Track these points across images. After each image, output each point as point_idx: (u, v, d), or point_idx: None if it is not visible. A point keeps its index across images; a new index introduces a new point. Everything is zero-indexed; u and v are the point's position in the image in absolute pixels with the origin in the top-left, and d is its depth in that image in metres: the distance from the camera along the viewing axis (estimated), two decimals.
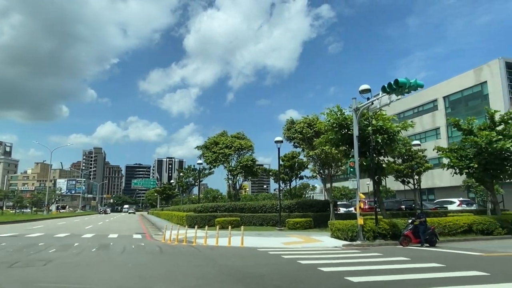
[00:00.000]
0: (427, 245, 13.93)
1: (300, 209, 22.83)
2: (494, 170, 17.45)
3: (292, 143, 22.55)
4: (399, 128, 16.04)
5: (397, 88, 12.94)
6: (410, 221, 14.38)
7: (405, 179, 22.82)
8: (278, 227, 21.25)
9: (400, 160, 23.16)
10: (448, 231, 16.51)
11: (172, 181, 73.93)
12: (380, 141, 15.96)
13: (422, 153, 23.47)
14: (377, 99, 14.74)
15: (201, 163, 30.35)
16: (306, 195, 63.11)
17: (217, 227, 16.69)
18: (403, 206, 25.16)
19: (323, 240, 16.00)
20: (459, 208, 26.79)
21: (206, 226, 16.78)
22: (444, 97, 50.89)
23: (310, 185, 63.61)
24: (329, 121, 16.98)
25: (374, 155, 16.84)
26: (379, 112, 16.57)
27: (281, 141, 21.86)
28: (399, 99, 14.58)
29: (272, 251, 12.36)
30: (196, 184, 47.30)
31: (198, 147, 30.41)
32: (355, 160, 15.84)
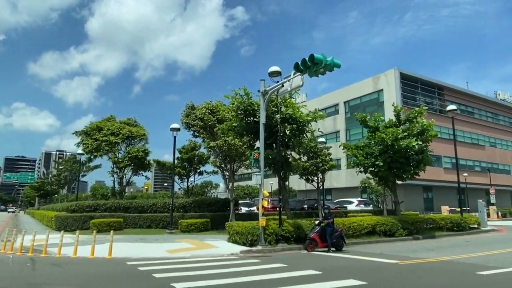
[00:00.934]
0: (334, 249, 12.28)
1: (196, 209, 19.86)
2: (397, 169, 16.95)
3: (192, 132, 19.51)
4: (309, 118, 14.25)
5: (312, 65, 10.91)
6: (317, 222, 12.58)
7: (309, 177, 21.64)
8: (168, 230, 17.98)
9: (305, 157, 21.93)
10: (353, 233, 15.31)
11: (50, 175, 63.83)
12: (288, 132, 13.96)
13: (327, 150, 22.62)
14: (289, 80, 12.65)
15: (83, 153, 25.17)
16: (209, 194, 60.22)
17: (94, 231, 12.89)
18: (306, 206, 24.14)
19: (219, 246, 13.32)
20: (358, 208, 26.96)
21: (78, 231, 12.68)
22: (344, 102, 53.07)
23: (213, 183, 60.94)
24: (233, 104, 14.43)
25: (282, 148, 14.83)
26: (289, 100, 14.59)
27: (178, 129, 18.65)
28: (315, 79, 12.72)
29: (145, 266, 9.17)
30: (76, 179, 40.61)
31: (76, 133, 25.01)
32: (260, 151, 13.54)
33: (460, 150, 51.64)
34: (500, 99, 61.10)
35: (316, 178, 22.01)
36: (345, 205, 27.57)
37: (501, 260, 9.68)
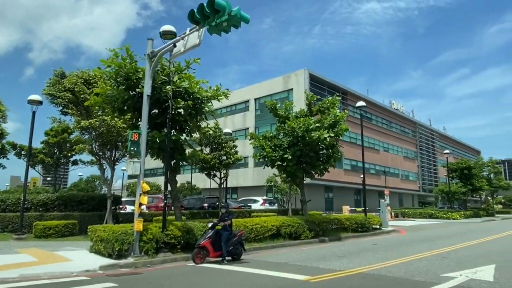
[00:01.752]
0: (230, 259, 9.67)
1: (62, 207, 15.44)
2: (307, 164, 15.19)
3: (60, 108, 15.02)
4: (209, 94, 11.43)
5: (212, 14, 8.11)
6: (210, 225, 9.80)
7: (211, 171, 18.88)
8: (16, 235, 13.42)
9: (208, 149, 19.14)
10: (255, 236, 13.00)
11: None
12: (182, 110, 10.95)
13: (233, 142, 20.14)
14: (183, 38, 9.66)
15: None
16: (98, 191, 53.38)
17: None
18: (206, 205, 21.36)
19: (73, 259, 9.66)
20: (263, 207, 25.16)
21: None
22: (255, 99, 51.81)
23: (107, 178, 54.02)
24: (109, 67, 10.86)
25: (174, 130, 11.76)
26: (186, 71, 11.56)
27: (40, 102, 14.15)
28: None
29: None
30: None
31: None
32: (142, 131, 10.29)
33: (358, 152, 54.53)
34: (394, 108, 66.70)
35: (219, 173, 19.32)
36: (249, 204, 25.53)
37: (424, 270, 8.13)
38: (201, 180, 45.99)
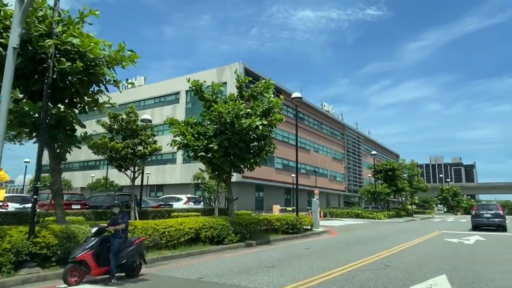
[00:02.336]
0: (123, 275, 7.16)
1: None
2: (236, 156, 13.09)
3: None
4: (106, 54, 8.67)
5: None
6: (94, 230, 7.14)
7: (122, 163, 15.82)
8: None
9: (120, 137, 16.07)
10: (167, 242, 10.54)
11: None
12: (70, 75, 8.15)
13: (152, 130, 17.30)
14: None
15: None
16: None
17: None
18: (118, 202, 18.12)
19: None
20: (186, 206, 22.56)
21: None
22: (186, 91, 48.65)
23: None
24: None
25: (61, 103, 8.86)
26: (77, 26, 8.67)
27: None
28: None
29: None
30: None
31: None
32: (2, 97, 7.28)
33: (290, 152, 54.29)
34: (325, 110, 68.15)
35: (133, 165, 16.34)
36: (171, 203, 22.72)
37: (372, 287, 6.46)
38: (123, 176, 41.78)
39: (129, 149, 15.43)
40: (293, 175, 50.25)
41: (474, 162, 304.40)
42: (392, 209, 44.24)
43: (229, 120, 12.30)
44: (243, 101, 13.88)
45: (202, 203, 25.73)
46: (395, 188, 39.40)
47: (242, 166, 13.55)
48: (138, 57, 9.29)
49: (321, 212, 35.67)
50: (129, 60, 9.20)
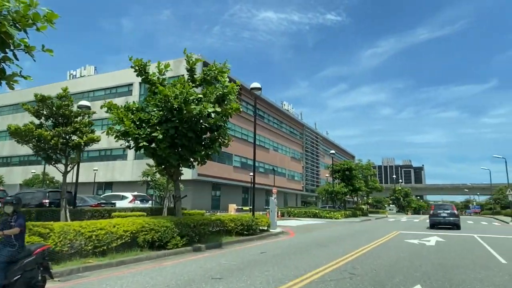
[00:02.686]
0: None
1: None
2: (184, 148, 11.43)
3: None
4: (15, 10, 6.72)
5: None
6: None
7: (52, 154, 13.54)
8: None
9: (49, 122, 13.77)
10: (94, 248, 8.71)
11: None
12: None
13: (89, 117, 15.10)
14: None
15: None
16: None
17: None
18: (47, 201, 15.72)
19: None
20: (131, 205, 20.43)
21: None
22: (140, 83, 45.74)
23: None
24: None
25: None
26: None
27: None
28: None
29: None
30: None
31: None
32: None
33: (249, 150, 53.10)
34: (285, 109, 67.72)
35: (65, 157, 14.08)
36: (114, 201, 20.45)
37: None
38: (84, 173, 38.21)
39: (60, 138, 13.20)
40: (252, 174, 49.09)
41: (423, 165, 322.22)
42: (349, 208, 44.38)
43: (176, 106, 10.63)
44: (194, 85, 12.27)
45: (150, 202, 23.63)
46: (352, 187, 39.43)
47: (192, 160, 11.92)
48: (57, 16, 7.34)
49: (279, 212, 34.73)
50: (45, 19, 7.27)
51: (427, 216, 54.98)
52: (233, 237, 13.92)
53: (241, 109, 13.04)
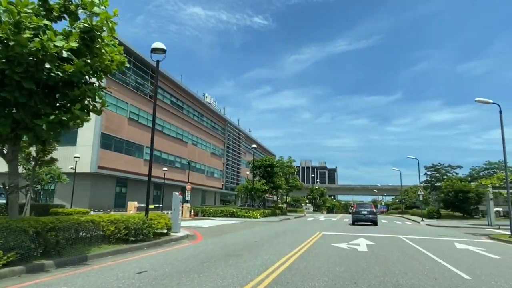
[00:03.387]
0: None
1: None
2: (21, 107, 7.14)
3: None
4: None
5: None
6: None
7: None
8: None
9: None
10: None
11: None
12: None
13: None
14: None
15: None
16: None
17: None
18: None
19: None
20: None
21: None
22: None
23: None
24: None
25: None
26: None
27: None
28: None
29: None
30: None
31: None
32: None
33: (164, 143, 48.12)
34: (207, 102, 63.83)
35: None
36: None
37: None
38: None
39: None
40: (166, 168, 44.27)
41: (336, 167, 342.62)
42: (268, 207, 42.32)
43: (1, 36, 6.37)
44: (51, 18, 7.99)
45: (2, 195, 18.08)
46: (273, 185, 37.29)
47: (37, 128, 7.61)
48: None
49: (192, 211, 30.91)
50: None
51: (342, 215, 58.10)
52: (111, 246, 9.92)
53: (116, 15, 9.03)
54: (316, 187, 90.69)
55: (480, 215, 39.53)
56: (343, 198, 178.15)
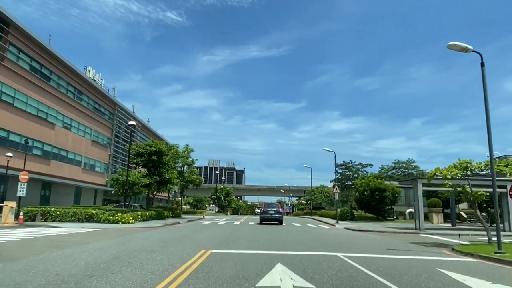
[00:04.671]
0: None
1: None
2: None
3: None
4: None
5: None
6: None
7: None
8: None
9: None
10: None
11: None
12: None
13: None
14: None
15: None
16: None
17: None
18: None
19: None
20: None
21: None
22: None
23: None
24: None
25: None
26: None
27: None
28: None
29: None
30: None
31: None
32: None
33: (15, 119, 35.46)
34: (89, 77, 51.45)
35: None
36: None
37: None
38: None
39: None
40: (11, 154, 31.96)
41: (244, 168, 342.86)
42: (155, 208, 33.11)
43: None
44: None
45: None
46: (160, 178, 28.34)
47: None
48: None
49: (21, 213, 20.41)
50: None
51: (248, 217, 53.76)
52: None
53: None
54: (222, 186, 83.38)
55: (395, 217, 36.28)
56: (250, 199, 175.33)
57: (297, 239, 15.37)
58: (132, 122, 24.54)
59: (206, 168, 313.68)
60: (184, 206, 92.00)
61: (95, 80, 53.02)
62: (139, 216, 24.04)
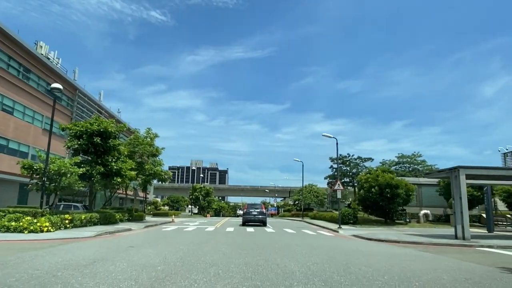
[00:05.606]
0: None
1: None
2: None
3: None
4: None
5: None
6: None
7: None
8: None
9: None
10: None
11: None
12: None
13: None
14: None
15: None
16: None
17: None
18: None
19: None
20: None
21: None
22: None
23: None
24: None
25: None
26: None
27: None
28: None
29: None
30: None
31: None
32: None
33: None
34: (41, 54, 43.38)
35: None
36: None
37: None
38: None
39: None
40: None
41: (227, 168, 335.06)
42: (103, 210, 25.63)
43: None
44: None
45: None
46: (105, 169, 21.00)
47: None
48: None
49: None
50: None
51: (228, 219, 46.08)
52: None
53: None
54: (201, 186, 75.94)
55: (407, 220, 29.78)
56: (233, 199, 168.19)
57: (303, 264, 8.40)
58: (57, 85, 17.09)
59: (188, 168, 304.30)
60: (162, 207, 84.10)
61: (49, 59, 44.95)
62: (67, 221, 16.65)
